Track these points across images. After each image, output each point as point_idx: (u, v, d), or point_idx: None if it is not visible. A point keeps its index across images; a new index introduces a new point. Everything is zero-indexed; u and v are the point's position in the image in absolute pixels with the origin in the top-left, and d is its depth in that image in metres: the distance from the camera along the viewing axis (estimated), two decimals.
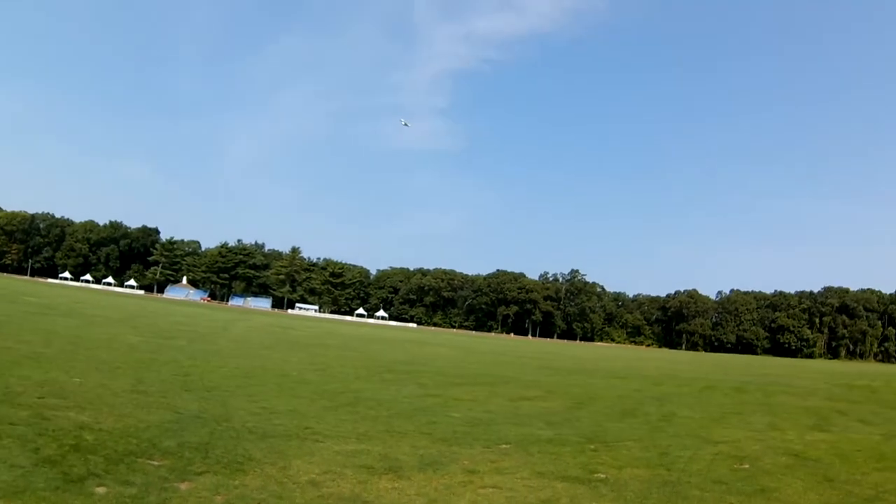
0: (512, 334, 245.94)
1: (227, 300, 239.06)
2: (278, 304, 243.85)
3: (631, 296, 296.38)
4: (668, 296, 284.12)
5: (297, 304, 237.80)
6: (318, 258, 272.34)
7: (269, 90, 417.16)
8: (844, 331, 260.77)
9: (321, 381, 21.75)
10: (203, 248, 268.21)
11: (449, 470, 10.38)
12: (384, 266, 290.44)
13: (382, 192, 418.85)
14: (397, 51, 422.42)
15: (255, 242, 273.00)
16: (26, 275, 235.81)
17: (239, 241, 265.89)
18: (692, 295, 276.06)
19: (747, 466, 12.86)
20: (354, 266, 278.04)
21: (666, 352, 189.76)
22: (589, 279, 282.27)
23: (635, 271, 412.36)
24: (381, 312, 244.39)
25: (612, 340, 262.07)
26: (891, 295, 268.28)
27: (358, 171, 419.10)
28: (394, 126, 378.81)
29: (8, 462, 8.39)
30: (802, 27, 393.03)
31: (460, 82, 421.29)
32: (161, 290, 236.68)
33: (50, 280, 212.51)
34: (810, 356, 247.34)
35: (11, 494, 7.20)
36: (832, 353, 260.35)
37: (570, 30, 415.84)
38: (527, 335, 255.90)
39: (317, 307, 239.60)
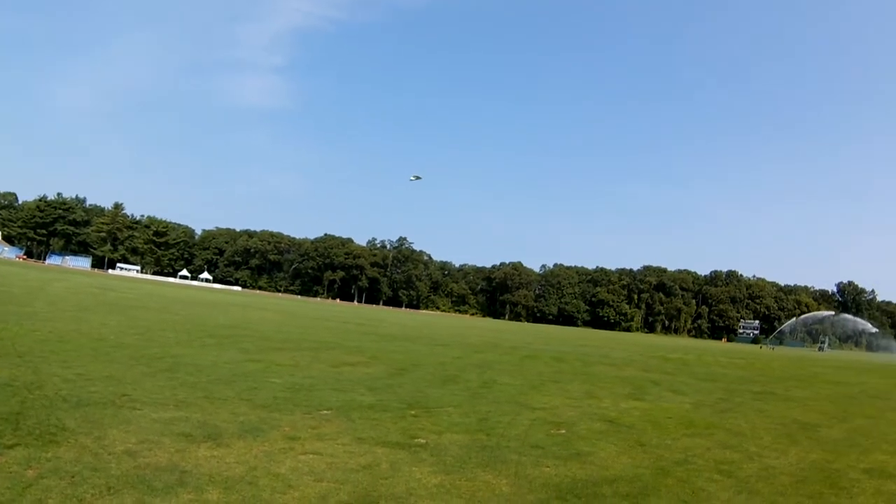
0: (338, 300, 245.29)
1: (45, 258, 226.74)
2: (99, 263, 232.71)
3: (457, 265, 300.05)
4: (493, 267, 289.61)
5: (119, 265, 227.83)
6: (142, 216, 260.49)
7: (104, 35, 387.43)
8: (661, 307, 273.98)
9: (140, 345, 21.15)
10: (20, 202, 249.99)
11: (269, 437, 10.34)
12: (209, 226, 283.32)
13: (213, 149, 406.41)
14: (242, 4, 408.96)
15: (77, 197, 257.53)
16: None
17: (59, 194, 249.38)
18: (517, 267, 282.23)
19: (564, 432, 13.30)
20: (179, 225, 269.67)
21: (490, 321, 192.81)
22: (416, 247, 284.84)
23: (462, 241, 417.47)
24: (206, 275, 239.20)
25: (438, 309, 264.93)
26: (704, 276, 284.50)
27: (190, 127, 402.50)
28: (231, 82, 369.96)
29: None
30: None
31: (302, 40, 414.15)
32: None
33: None
34: (628, 330, 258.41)
35: None
36: (649, 327, 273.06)
37: None
38: (353, 301, 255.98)
39: (139, 268, 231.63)
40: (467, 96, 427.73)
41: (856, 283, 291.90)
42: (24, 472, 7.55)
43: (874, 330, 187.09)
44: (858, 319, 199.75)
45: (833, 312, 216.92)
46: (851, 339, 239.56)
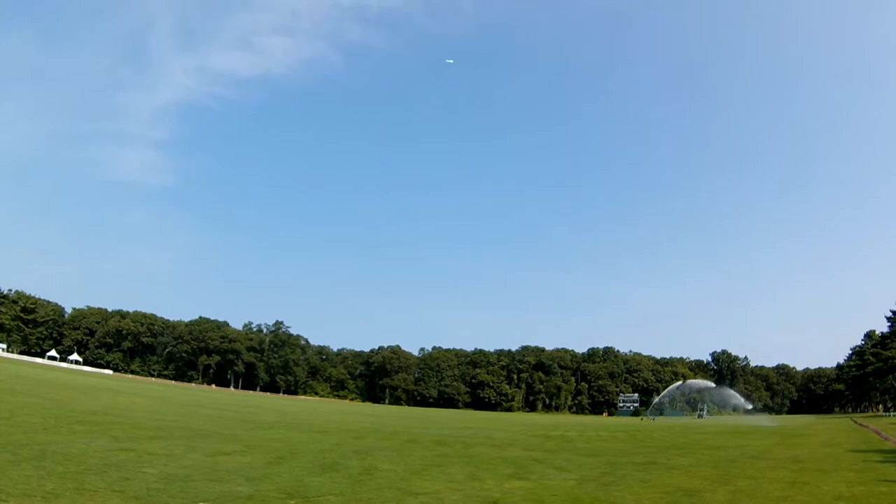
0: (213, 385, 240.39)
1: None
2: None
3: (335, 350, 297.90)
4: (371, 351, 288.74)
5: None
6: (10, 290, 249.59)
7: None
8: (541, 386, 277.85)
9: (4, 431, 20.26)
10: None
11: None
12: (81, 304, 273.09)
13: (86, 223, 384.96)
14: (127, 73, 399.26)
15: None
16: None
17: None
18: (395, 351, 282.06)
19: None
20: (49, 302, 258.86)
21: (369, 406, 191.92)
22: (293, 331, 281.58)
23: (339, 326, 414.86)
24: (75, 356, 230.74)
25: (316, 394, 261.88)
26: (582, 354, 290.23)
27: (63, 199, 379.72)
28: (109, 154, 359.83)
29: None
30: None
31: (185, 116, 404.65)
32: None
33: None
34: (509, 410, 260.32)
35: None
36: (530, 406, 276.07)
37: (302, 80, 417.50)
38: (229, 387, 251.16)
39: (5, 346, 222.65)
40: (342, 177, 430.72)
41: (729, 351, 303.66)
42: None
43: (749, 406, 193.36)
44: (735, 393, 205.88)
45: (713, 384, 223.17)
46: (729, 405, 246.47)
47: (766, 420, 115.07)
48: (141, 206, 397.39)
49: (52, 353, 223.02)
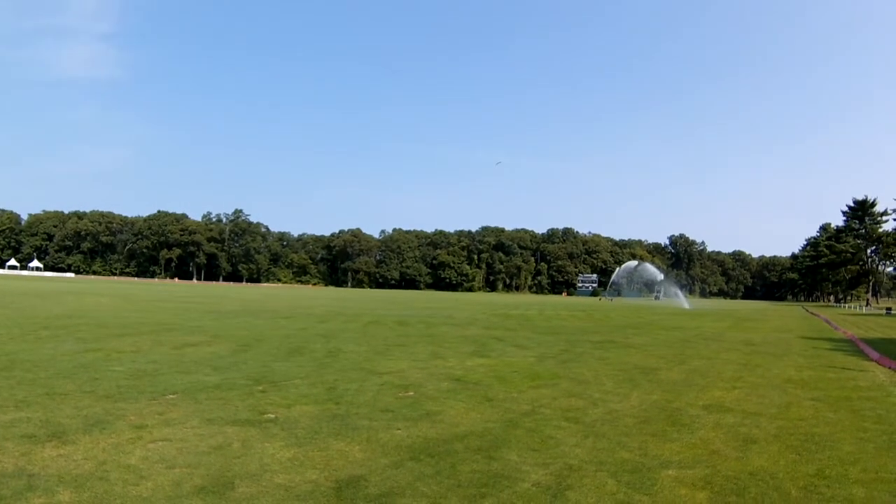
0: (176, 279, 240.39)
1: None
2: None
3: (296, 235, 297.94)
4: (332, 235, 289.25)
5: None
6: None
7: None
8: (501, 266, 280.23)
9: None
10: None
11: (116, 428, 10.10)
12: (37, 210, 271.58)
13: (34, 125, 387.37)
14: None
15: None
16: None
17: None
18: (356, 234, 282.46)
19: (412, 394, 13.49)
20: (4, 211, 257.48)
21: (332, 290, 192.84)
22: (253, 219, 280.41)
23: (299, 211, 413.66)
24: (36, 263, 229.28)
25: (279, 281, 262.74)
26: (542, 234, 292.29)
27: (6, 101, 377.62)
28: (51, 51, 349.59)
29: None
30: None
31: (130, 5, 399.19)
32: None
33: None
34: (470, 290, 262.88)
35: None
36: (490, 286, 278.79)
37: None
38: (192, 279, 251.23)
39: None
40: (296, 57, 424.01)
41: (686, 235, 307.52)
42: None
43: (661, 277, 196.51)
44: (651, 268, 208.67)
45: (636, 263, 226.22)
46: (686, 286, 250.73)
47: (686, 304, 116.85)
48: (89, 103, 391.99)
49: (12, 262, 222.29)
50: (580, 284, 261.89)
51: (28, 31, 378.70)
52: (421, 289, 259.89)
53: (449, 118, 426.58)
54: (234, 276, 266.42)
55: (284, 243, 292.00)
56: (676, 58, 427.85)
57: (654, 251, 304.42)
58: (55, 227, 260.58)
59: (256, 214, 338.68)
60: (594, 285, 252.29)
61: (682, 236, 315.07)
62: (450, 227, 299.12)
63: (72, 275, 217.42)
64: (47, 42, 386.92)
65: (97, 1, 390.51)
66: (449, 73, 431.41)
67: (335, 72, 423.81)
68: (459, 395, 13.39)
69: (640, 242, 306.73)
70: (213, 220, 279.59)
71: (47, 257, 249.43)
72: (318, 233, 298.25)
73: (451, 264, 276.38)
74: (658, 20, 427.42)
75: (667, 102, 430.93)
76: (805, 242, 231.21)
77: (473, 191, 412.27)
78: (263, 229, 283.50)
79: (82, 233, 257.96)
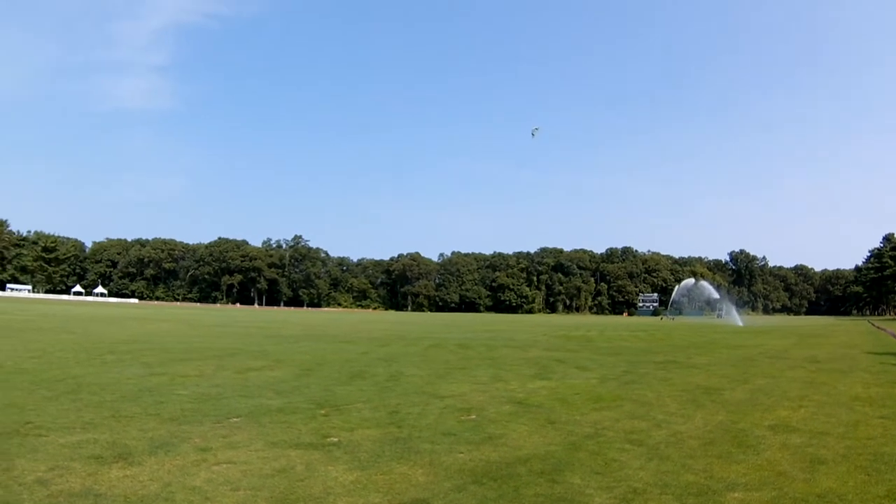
0: (238, 304, 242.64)
1: None
2: None
3: (355, 260, 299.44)
4: (391, 259, 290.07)
5: (8, 285, 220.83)
6: (29, 231, 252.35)
7: None
8: (560, 287, 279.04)
9: (38, 368, 20.59)
10: None
11: (181, 450, 10.21)
12: (101, 237, 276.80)
13: (96, 156, 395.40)
14: (117, 2, 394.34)
15: None
16: None
17: None
18: (415, 258, 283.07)
19: (474, 417, 13.44)
20: (69, 239, 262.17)
21: (392, 314, 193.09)
22: (312, 245, 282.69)
23: (358, 236, 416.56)
24: (100, 289, 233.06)
25: (340, 305, 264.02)
26: (601, 254, 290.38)
27: (68, 134, 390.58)
28: (109, 84, 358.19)
29: None
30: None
31: (184, 37, 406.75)
32: None
33: None
34: (530, 312, 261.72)
35: None
36: (550, 308, 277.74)
37: None
38: (253, 304, 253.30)
39: (30, 287, 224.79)
40: (349, 81, 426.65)
41: (747, 250, 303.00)
42: None
43: (716, 295, 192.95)
44: (708, 286, 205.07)
45: (693, 281, 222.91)
46: (748, 304, 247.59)
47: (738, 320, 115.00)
48: (147, 134, 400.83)
49: (77, 288, 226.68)
50: (641, 304, 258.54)
51: (84, 65, 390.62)
52: (481, 311, 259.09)
53: (502, 137, 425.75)
54: (294, 301, 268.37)
55: (344, 268, 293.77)
56: (732, 67, 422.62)
57: (714, 268, 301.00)
58: (118, 254, 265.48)
59: (316, 240, 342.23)
60: (655, 305, 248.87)
61: (742, 252, 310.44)
62: (508, 249, 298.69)
63: (135, 300, 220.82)
64: (103, 75, 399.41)
65: (150, 35, 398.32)
66: (503, 90, 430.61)
67: (390, 94, 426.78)
68: (522, 418, 13.31)
69: (700, 259, 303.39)
70: (274, 246, 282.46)
71: (111, 283, 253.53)
72: (377, 257, 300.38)
73: (511, 286, 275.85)
74: (711, 29, 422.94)
75: (723, 112, 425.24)
76: (869, 254, 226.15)
77: (530, 211, 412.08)
78: (323, 254, 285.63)
79: (145, 259, 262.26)
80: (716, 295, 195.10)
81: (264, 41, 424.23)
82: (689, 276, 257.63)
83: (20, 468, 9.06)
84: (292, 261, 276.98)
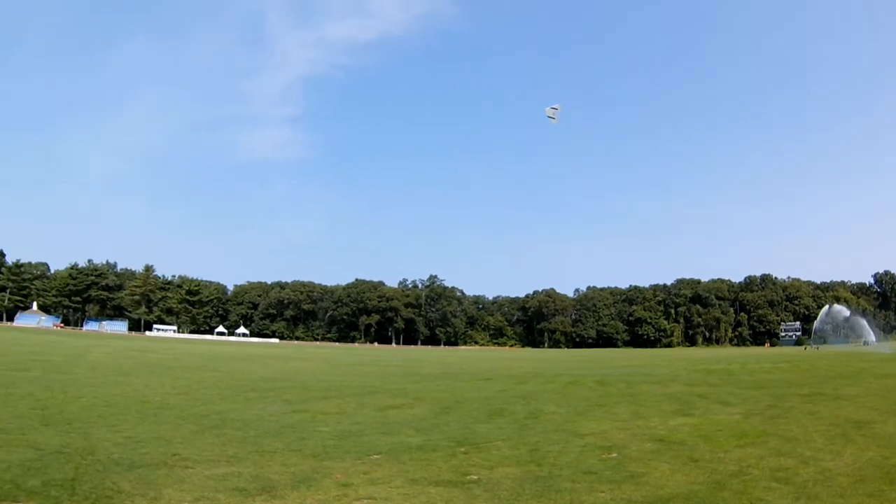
0: (376, 343, 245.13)
1: (82, 325, 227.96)
2: (135, 326, 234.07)
3: (490, 298, 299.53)
4: (526, 296, 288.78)
5: (155, 326, 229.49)
6: (174, 276, 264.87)
7: (114, 99, 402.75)
8: (699, 319, 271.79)
9: (184, 404, 21.27)
10: (52, 271, 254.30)
11: (322, 485, 10.36)
12: (241, 281, 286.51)
13: (235, 204, 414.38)
14: (248, 58, 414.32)
15: (107, 262, 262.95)
16: None
17: (89, 261, 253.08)
18: (550, 294, 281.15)
19: (615, 455, 13.24)
20: (211, 283, 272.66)
21: (529, 351, 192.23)
22: (447, 284, 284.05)
23: (493, 274, 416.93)
24: (242, 329, 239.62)
25: (476, 343, 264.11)
26: (739, 283, 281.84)
27: (208, 184, 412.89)
28: (245, 136, 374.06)
29: None
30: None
31: (312, 89, 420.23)
32: (10, 318, 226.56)
33: None
34: (669, 345, 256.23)
35: None
36: (689, 340, 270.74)
37: (421, 35, 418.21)
38: (390, 343, 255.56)
39: (175, 327, 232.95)
40: (481, 118, 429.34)
41: (893, 272, 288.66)
42: None
43: (861, 322, 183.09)
44: (844, 310, 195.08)
45: (828, 307, 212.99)
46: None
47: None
48: (284, 181, 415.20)
49: (220, 328, 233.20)
50: (783, 333, 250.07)
51: (220, 119, 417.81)
52: (618, 346, 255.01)
53: (632, 169, 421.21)
54: (431, 340, 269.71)
55: (480, 306, 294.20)
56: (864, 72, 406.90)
57: (858, 292, 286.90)
58: (259, 296, 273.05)
59: (451, 279, 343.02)
60: (798, 334, 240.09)
61: (887, 273, 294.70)
62: (644, 282, 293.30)
63: (276, 340, 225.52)
64: (239, 128, 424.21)
65: (280, 88, 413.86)
66: (630, 123, 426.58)
67: (520, 130, 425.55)
68: (663, 456, 13.05)
69: (843, 284, 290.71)
70: (410, 286, 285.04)
71: (252, 324, 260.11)
72: (512, 294, 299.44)
73: (648, 320, 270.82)
74: (835, 31, 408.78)
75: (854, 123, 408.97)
76: None
77: (665, 242, 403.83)
78: (458, 293, 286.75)
79: (285, 301, 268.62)
80: (861, 321, 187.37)
81: (389, 86, 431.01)
82: (832, 302, 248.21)
83: (167, 498, 9.38)
84: (428, 300, 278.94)
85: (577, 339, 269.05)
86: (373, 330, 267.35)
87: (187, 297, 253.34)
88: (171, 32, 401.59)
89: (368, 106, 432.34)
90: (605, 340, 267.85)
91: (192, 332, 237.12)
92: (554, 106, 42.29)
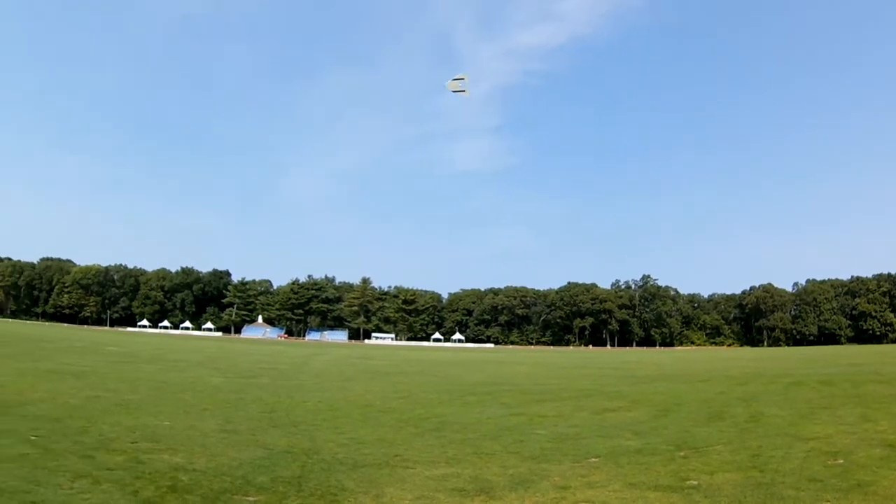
0: (590, 346, 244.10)
1: (304, 335, 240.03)
2: (354, 335, 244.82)
3: (706, 296, 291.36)
4: (743, 292, 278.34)
5: (374, 334, 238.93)
6: (389, 286, 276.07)
7: (321, 126, 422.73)
8: None
9: (405, 408, 21.84)
10: (275, 287, 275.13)
11: (540, 487, 10.36)
12: (455, 289, 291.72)
13: (445, 215, 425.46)
14: (442, 75, 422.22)
15: (326, 276, 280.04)
16: (105, 325, 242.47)
17: (309, 276, 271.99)
18: (768, 289, 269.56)
19: (841, 461, 12.61)
20: (426, 292, 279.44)
21: (748, 350, 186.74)
22: (661, 283, 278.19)
23: (706, 271, 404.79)
24: (458, 335, 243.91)
25: (692, 343, 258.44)
26: None
27: (417, 198, 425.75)
28: (449, 150, 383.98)
29: None
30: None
31: (509, 98, 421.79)
32: (238, 331, 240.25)
33: (129, 329, 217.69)
34: None
35: None
36: None
37: (611, 32, 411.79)
38: (605, 345, 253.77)
39: (393, 335, 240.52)
40: (680, 116, 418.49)
41: None
42: None
43: None
44: None
45: None
46: None
47: None
48: (490, 189, 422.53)
49: (437, 335, 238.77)
50: None
51: (424, 136, 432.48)
52: (841, 343, 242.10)
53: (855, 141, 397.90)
54: (646, 341, 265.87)
55: (695, 305, 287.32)
56: None
57: None
58: (473, 303, 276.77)
59: (664, 278, 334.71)
60: None
61: None
62: (867, 272, 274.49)
63: (491, 345, 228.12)
64: (441, 142, 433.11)
65: (479, 100, 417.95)
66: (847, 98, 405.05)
67: (714, 116, 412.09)
68: (894, 463, 12.31)
69: None
70: (623, 287, 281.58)
71: (468, 330, 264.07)
72: (727, 291, 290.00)
73: (873, 313, 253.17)
74: None
75: None
76: None
77: (890, 226, 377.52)
78: (673, 292, 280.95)
79: (498, 307, 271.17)
80: None
81: (586, 88, 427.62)
82: None
83: (389, 496, 9.63)
84: (642, 301, 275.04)
85: (798, 337, 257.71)
86: (587, 332, 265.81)
87: (404, 307, 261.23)
88: (364, 58, 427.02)
89: (564, 109, 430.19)
90: (827, 337, 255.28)
91: (409, 339, 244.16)
92: (457, 77, 39.98)
